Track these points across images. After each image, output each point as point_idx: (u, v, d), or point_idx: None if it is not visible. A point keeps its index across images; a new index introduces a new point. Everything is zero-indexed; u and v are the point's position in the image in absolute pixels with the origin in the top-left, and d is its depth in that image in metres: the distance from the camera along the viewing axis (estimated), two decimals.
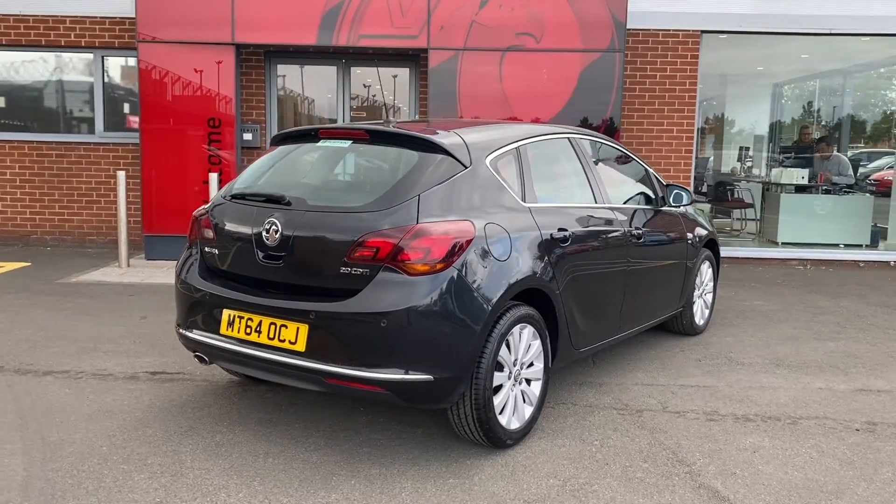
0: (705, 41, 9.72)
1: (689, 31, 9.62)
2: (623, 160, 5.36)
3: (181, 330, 4.12)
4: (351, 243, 3.47)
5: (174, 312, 6.54)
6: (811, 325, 6.67)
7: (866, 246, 10.54)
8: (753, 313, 7.07)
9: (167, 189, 9.08)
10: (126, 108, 10.18)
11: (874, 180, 13.26)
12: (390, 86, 10.22)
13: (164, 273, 8.40)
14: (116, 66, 10.21)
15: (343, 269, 3.49)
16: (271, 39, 9.01)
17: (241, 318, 3.75)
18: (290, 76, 10.16)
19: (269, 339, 3.64)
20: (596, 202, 4.68)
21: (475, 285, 3.51)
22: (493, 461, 3.69)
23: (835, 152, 11.39)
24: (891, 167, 12.03)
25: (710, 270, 6.31)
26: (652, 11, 9.41)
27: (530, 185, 4.13)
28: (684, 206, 5.63)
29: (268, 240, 3.68)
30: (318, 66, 10.03)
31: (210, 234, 4.02)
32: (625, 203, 5.07)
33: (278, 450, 3.78)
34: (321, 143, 4.07)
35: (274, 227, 3.66)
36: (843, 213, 10.66)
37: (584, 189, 4.67)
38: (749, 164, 14.43)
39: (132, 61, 9.96)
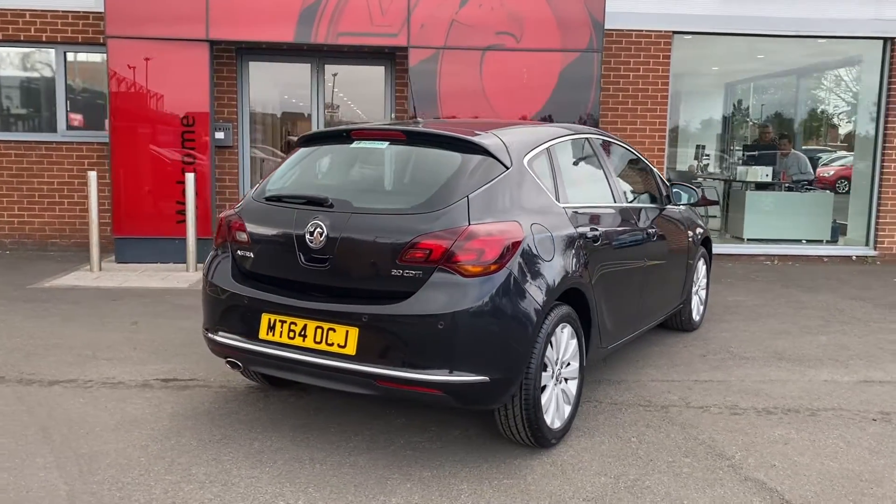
0: (675, 42, 9.98)
1: (661, 31, 9.86)
2: (632, 159, 5.48)
3: (211, 334, 4.04)
4: (403, 245, 3.47)
5: (164, 317, 6.47)
6: (797, 319, 6.93)
7: (827, 241, 10.99)
8: (739, 308, 7.30)
9: (139, 190, 8.82)
10: (91, 105, 9.86)
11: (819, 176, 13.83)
12: (365, 84, 10.17)
13: (139, 277, 8.18)
14: (81, 61, 9.87)
15: (394, 272, 3.48)
16: (247, 36, 8.85)
17: (282, 322, 3.70)
18: (263, 74, 9.99)
19: (316, 342, 3.60)
20: (615, 201, 4.78)
21: (527, 286, 3.54)
22: (541, 461, 3.74)
23: (793, 150, 11.82)
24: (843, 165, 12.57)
25: (705, 267, 6.50)
26: (625, 12, 9.60)
27: (562, 185, 4.19)
28: (690, 204, 5.78)
29: (311, 242, 3.64)
30: (291, 63, 9.90)
31: (243, 236, 3.95)
32: (636, 202, 5.18)
33: (322, 455, 3.74)
34: (356, 145, 4.04)
35: (319, 229, 3.62)
36: (805, 209, 11.09)
37: (605, 188, 4.76)
38: (706, 161, 14.84)
39: (97, 57, 9.67)
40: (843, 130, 12.39)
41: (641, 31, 9.82)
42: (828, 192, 11.77)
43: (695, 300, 6.30)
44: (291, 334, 3.67)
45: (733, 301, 7.61)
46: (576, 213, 4.15)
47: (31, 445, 3.79)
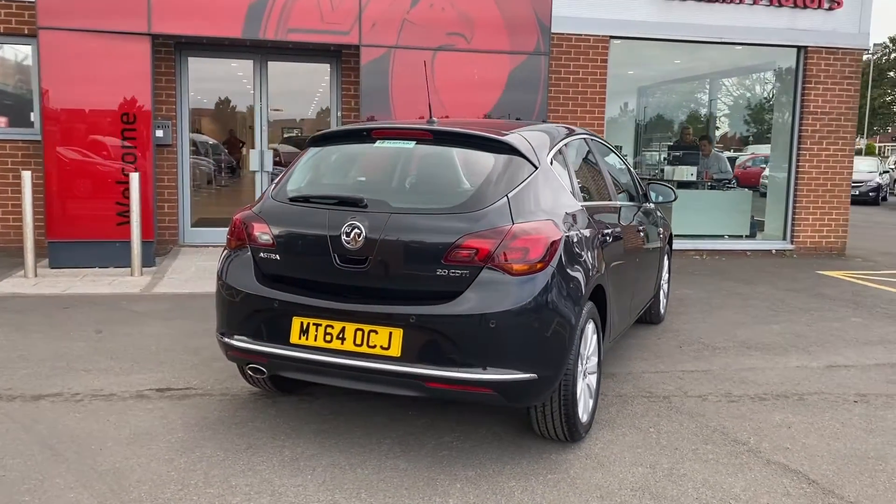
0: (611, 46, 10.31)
1: (599, 36, 10.15)
2: (616, 159, 5.63)
3: (227, 339, 3.87)
4: (448, 245, 3.44)
5: (127, 325, 6.13)
6: (746, 310, 7.31)
7: (746, 236, 11.63)
8: (690, 301, 7.63)
9: (75, 190, 8.32)
10: (14, 101, 9.21)
11: (735, 176, 14.61)
12: (310, 82, 9.97)
13: (83, 282, 7.71)
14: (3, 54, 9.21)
15: (439, 272, 3.45)
16: (192, 30, 8.50)
17: (317, 325, 3.60)
18: (203, 70, 9.62)
19: (356, 345, 3.52)
20: (611, 199, 4.90)
21: (568, 283, 3.60)
22: (575, 454, 3.80)
23: (714, 151, 12.44)
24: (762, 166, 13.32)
25: (668, 262, 6.76)
26: (566, 16, 9.83)
27: (575, 184, 4.27)
28: (666, 202, 5.99)
29: (348, 243, 3.55)
30: (233, 59, 9.59)
31: (267, 238, 3.80)
32: (624, 199, 5.33)
33: (359, 460, 3.67)
34: (380, 144, 3.97)
35: (356, 230, 3.54)
36: (727, 206, 11.69)
37: (604, 187, 4.88)
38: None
39: (22, 49, 9.04)
40: (759, 133, 13.11)
41: (581, 35, 10.09)
42: (747, 190, 12.43)
43: (660, 293, 6.54)
44: (328, 337, 3.58)
45: (681, 294, 7.94)
46: (591, 211, 4.24)
47: (43, 465, 3.53)
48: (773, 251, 11.15)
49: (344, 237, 3.57)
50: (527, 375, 3.41)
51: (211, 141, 10.25)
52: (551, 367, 3.50)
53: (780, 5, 10.52)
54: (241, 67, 9.57)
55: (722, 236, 11.45)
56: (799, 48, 10.85)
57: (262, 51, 9.41)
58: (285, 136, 10.46)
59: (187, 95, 9.42)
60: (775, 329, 6.55)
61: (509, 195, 3.60)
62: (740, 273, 9.50)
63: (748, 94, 13.29)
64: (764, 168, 13.96)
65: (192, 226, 9.67)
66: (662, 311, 6.65)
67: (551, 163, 4.02)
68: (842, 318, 7.01)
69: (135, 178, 7.98)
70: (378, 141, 3.98)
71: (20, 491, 3.28)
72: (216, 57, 9.51)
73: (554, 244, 3.55)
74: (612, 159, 5.51)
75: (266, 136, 9.64)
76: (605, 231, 4.32)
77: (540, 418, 3.77)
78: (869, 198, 24.43)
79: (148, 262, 8.37)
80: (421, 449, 3.81)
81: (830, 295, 8.18)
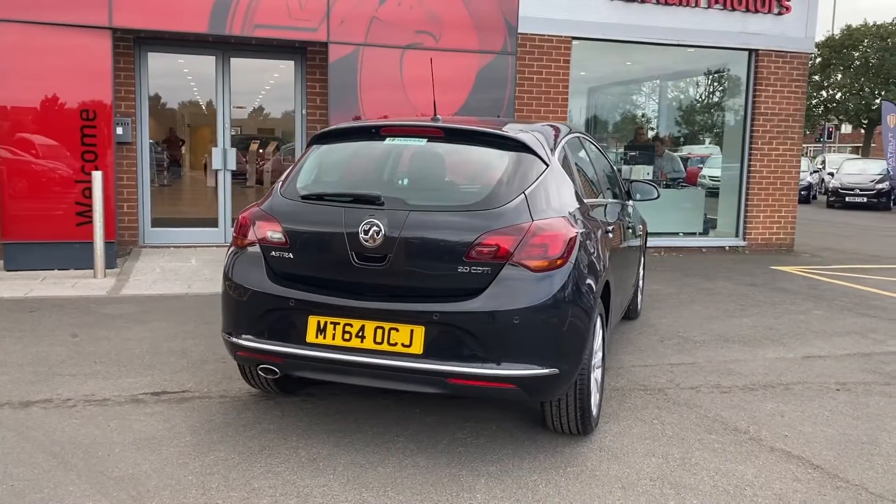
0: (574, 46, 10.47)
1: (561, 36, 10.30)
2: (602, 157, 5.73)
3: (236, 339, 3.80)
4: (469, 243, 3.46)
5: (103, 328, 5.95)
6: (714, 304, 7.54)
7: (699, 234, 11.97)
8: (659, 296, 7.82)
9: (32, 189, 8.00)
10: None
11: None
12: (273, 79, 9.82)
13: (45, 285, 7.44)
14: None
15: (460, 269, 3.47)
16: (155, 24, 8.28)
17: (335, 323, 3.57)
18: (163, 65, 9.37)
19: (377, 343, 3.51)
20: (604, 197, 4.99)
21: (585, 279, 3.65)
22: (588, 447, 3.86)
23: (667, 151, 12.75)
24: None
25: (643, 258, 6.91)
26: (530, 17, 9.93)
27: (578, 182, 4.33)
28: (649, 199, 6.12)
29: (367, 242, 3.53)
30: (194, 55, 9.37)
31: (278, 237, 3.74)
32: (614, 197, 5.44)
33: (378, 458, 3.65)
34: (389, 142, 3.96)
35: (375, 228, 3.52)
36: (681, 204, 12.00)
37: (597, 184, 4.97)
38: None
39: None
40: (709, 134, 13.49)
41: (544, 35, 10.21)
42: (699, 188, 12.78)
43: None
44: (347, 336, 3.55)
45: (650, 290, 8.13)
46: (594, 208, 4.32)
47: (52, 473, 3.40)
48: (727, 248, 11.51)
49: (362, 235, 3.54)
50: (549, 370, 3.46)
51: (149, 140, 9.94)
52: (571, 362, 3.56)
53: (733, 9, 10.86)
54: (204, 63, 9.35)
55: (677, 233, 11.75)
56: (750, 51, 11.22)
57: (225, 46, 9.23)
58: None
59: (147, 92, 9.16)
60: (747, 322, 6.78)
61: (526, 192, 3.64)
62: (699, 269, 9.78)
63: (696, 95, 13.63)
64: (701, 168, 14.37)
65: (152, 226, 9.41)
66: (639, 306, 6.80)
67: (558, 159, 4.08)
68: (805, 312, 7.29)
69: (98, 176, 7.72)
70: (388, 138, 3.97)
71: (35, 500, 3.15)
72: (177, 52, 9.28)
73: (572, 240, 3.60)
74: (601, 157, 5.61)
75: (229, 133, 9.46)
76: (607, 228, 4.41)
77: (555, 413, 3.82)
78: (801, 196, 25.40)
79: (110, 263, 8.12)
80: (436, 446, 3.82)
81: (789, 289, 8.50)
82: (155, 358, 5.18)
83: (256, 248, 3.83)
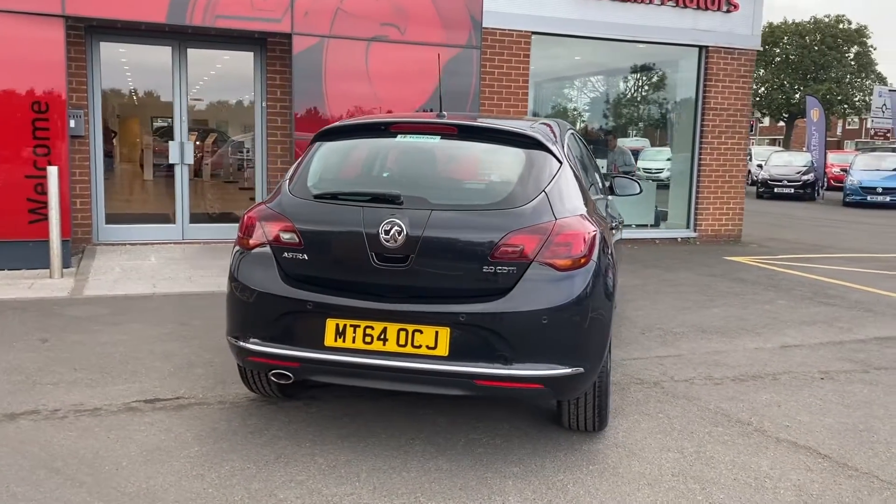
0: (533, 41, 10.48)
1: (522, 31, 10.30)
2: (589, 152, 5.74)
3: (245, 343, 3.63)
4: (495, 242, 3.39)
5: (73, 332, 5.66)
6: (683, 295, 7.68)
7: (651, 225, 12.19)
8: (626, 288, 7.90)
9: None
10: None
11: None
12: (232, 70, 9.51)
13: None
14: None
15: (485, 269, 3.40)
16: (112, 13, 7.89)
17: (355, 326, 3.46)
18: (116, 56, 8.95)
19: (400, 346, 3.41)
20: (595, 193, 4.99)
21: (605, 276, 3.64)
22: (604, 444, 3.86)
23: (618, 145, 12.93)
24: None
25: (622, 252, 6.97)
26: (491, 11, 9.88)
27: (582, 178, 4.31)
28: (632, 195, 6.16)
29: (388, 242, 3.42)
30: (149, 45, 8.97)
31: (291, 237, 3.59)
32: (602, 192, 5.45)
33: (399, 463, 3.56)
34: (402, 139, 3.85)
35: (396, 228, 3.42)
36: (633, 197, 12.16)
37: (594, 179, 4.96)
38: None
39: None
40: (661, 128, 13.74)
41: (505, 30, 10.18)
42: (651, 182, 13.01)
43: None
44: (368, 339, 3.44)
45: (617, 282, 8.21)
46: (598, 204, 4.31)
47: (60, 491, 3.19)
48: (679, 239, 11.76)
49: (383, 235, 3.43)
50: (575, 369, 3.42)
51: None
52: (595, 360, 3.54)
53: (685, 6, 11.07)
54: (159, 54, 8.97)
55: (630, 225, 11.92)
56: (700, 48, 11.46)
57: (181, 37, 8.88)
58: (156, 126, 9.75)
59: (100, 83, 8.74)
60: (718, 313, 6.92)
61: (546, 190, 3.59)
62: (657, 260, 9.96)
63: (646, 90, 13.86)
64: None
65: (106, 223, 9.00)
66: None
67: (566, 157, 4.04)
68: (770, 301, 7.49)
69: (53, 172, 7.33)
70: (400, 136, 3.85)
71: None
72: (131, 42, 8.87)
73: (592, 239, 3.57)
74: (588, 153, 5.61)
75: (186, 126, 9.12)
76: (611, 225, 4.41)
77: (572, 410, 3.80)
78: None
79: (65, 262, 7.72)
80: (454, 447, 3.75)
81: (748, 279, 8.73)
82: (138, 363, 4.94)
83: (267, 249, 3.67)
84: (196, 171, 10.44)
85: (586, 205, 3.90)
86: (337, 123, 4.07)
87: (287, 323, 3.56)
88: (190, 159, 9.16)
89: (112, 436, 3.77)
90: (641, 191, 6.08)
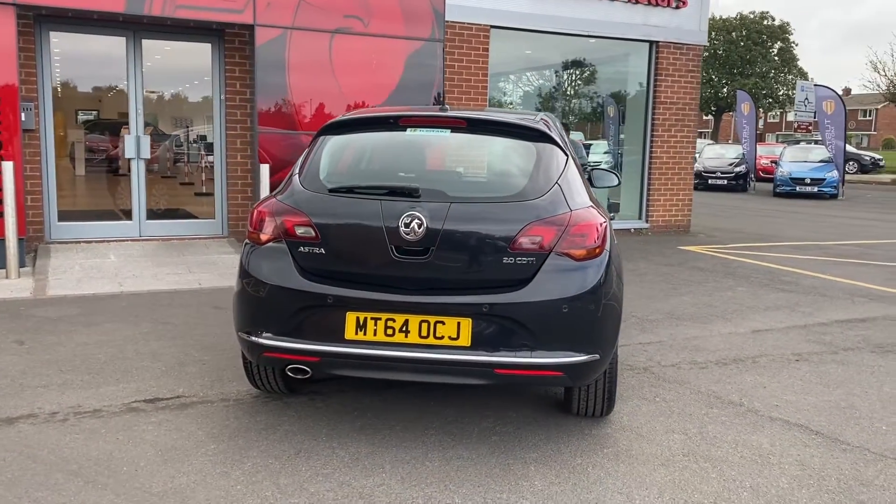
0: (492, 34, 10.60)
1: (481, 25, 10.41)
2: (574, 143, 5.87)
3: (258, 339, 3.62)
4: (514, 233, 3.48)
5: (48, 333, 5.55)
6: (647, 284, 7.94)
7: None
8: None
9: None
10: None
11: None
12: (188, 63, 9.30)
13: None
14: None
15: (505, 260, 3.49)
16: (68, 2, 7.62)
17: (376, 319, 3.50)
18: (67, 46, 8.64)
19: (422, 337, 3.47)
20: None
21: (617, 265, 3.77)
22: (612, 428, 4.00)
23: (571, 137, 13.18)
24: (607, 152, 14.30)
25: None
26: (453, 5, 9.95)
27: (580, 170, 4.44)
28: (609, 187, 6.33)
29: (408, 235, 3.47)
30: (102, 35, 8.70)
31: (308, 232, 3.60)
32: None
33: (420, 454, 3.62)
34: (412, 133, 3.89)
35: (417, 220, 3.47)
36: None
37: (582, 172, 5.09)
38: None
39: None
40: (600, 121, 14.04)
41: (464, 23, 10.27)
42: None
43: None
44: (390, 331, 3.48)
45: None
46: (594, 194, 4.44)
47: (84, 494, 3.14)
48: (632, 230, 12.10)
49: (403, 228, 3.48)
50: (591, 356, 3.54)
51: None
52: (609, 346, 3.67)
53: (636, 2, 11.37)
54: (112, 44, 8.71)
55: None
56: (651, 43, 11.79)
57: (136, 27, 8.63)
58: (82, 118, 9.43)
59: (50, 74, 8.43)
60: (686, 301, 7.19)
61: (559, 182, 3.70)
62: None
63: (596, 85, 14.15)
64: None
65: (59, 220, 8.70)
66: None
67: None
68: (731, 289, 7.82)
69: (8, 168, 7.06)
70: (410, 129, 3.90)
71: None
72: (83, 32, 8.57)
73: (604, 229, 3.70)
74: (575, 144, 5.75)
75: (142, 119, 8.88)
76: (610, 216, 4.54)
77: (583, 396, 3.92)
78: None
79: (21, 262, 7.45)
80: (469, 437, 3.83)
81: (705, 268, 9.07)
82: (125, 363, 4.84)
83: (281, 244, 3.66)
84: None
85: (590, 196, 4.03)
86: (343, 117, 4.08)
87: (305, 317, 3.57)
88: (146, 153, 8.93)
89: (121, 437, 3.71)
90: (620, 182, 6.26)
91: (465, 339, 3.45)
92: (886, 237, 12.87)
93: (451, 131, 3.90)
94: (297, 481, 3.30)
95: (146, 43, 8.82)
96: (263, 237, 3.72)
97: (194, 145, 10.00)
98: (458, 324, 3.46)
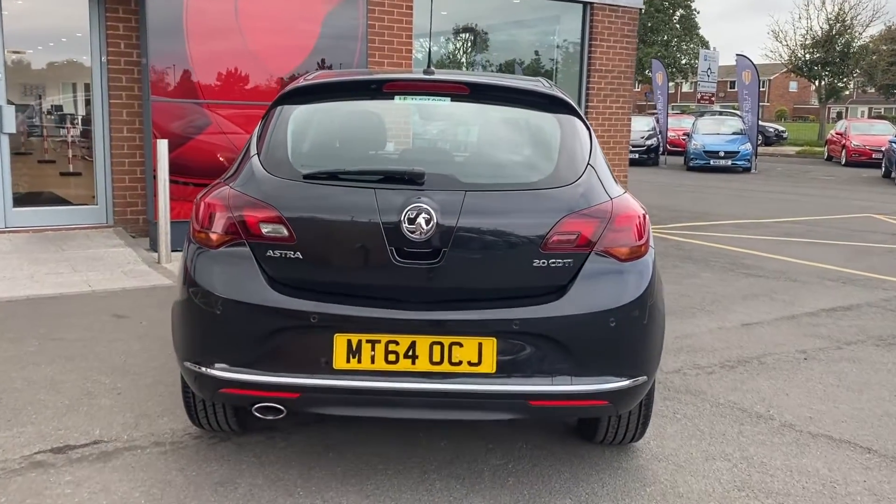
0: None
1: None
2: None
3: (218, 372, 2.93)
4: (548, 229, 2.93)
5: None
6: None
7: None
8: None
9: None
10: None
11: None
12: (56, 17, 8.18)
13: None
14: None
15: (536, 262, 2.93)
16: None
17: (373, 342, 2.87)
18: None
19: (434, 364, 2.88)
20: None
21: (658, 268, 3.29)
22: (644, 458, 3.55)
23: None
24: None
25: None
26: None
27: None
28: None
29: (413, 233, 2.85)
30: None
31: (277, 230, 2.91)
32: None
33: (441, 486, 3.04)
34: (400, 101, 3.24)
35: (424, 215, 2.85)
36: None
37: None
38: None
39: None
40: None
41: None
42: None
43: None
44: (392, 357, 2.87)
45: None
46: None
47: None
48: None
49: (406, 225, 2.85)
50: (640, 378, 3.06)
51: None
52: (656, 364, 3.19)
53: None
54: None
55: None
56: (585, 4, 11.44)
57: None
58: None
59: None
60: None
61: (591, 164, 3.17)
62: None
63: (528, 49, 13.71)
64: None
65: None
66: None
67: None
68: (696, 275, 7.59)
69: None
70: (397, 97, 3.25)
71: None
72: None
73: (646, 222, 3.21)
74: None
75: (3, 86, 7.73)
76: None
77: (613, 422, 3.43)
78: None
79: None
80: (481, 480, 3.28)
81: (661, 251, 8.73)
82: (14, 397, 4.00)
83: (242, 247, 2.96)
84: None
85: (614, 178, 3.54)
86: (309, 81, 3.38)
87: (278, 342, 2.91)
88: (11, 128, 7.78)
89: (139, 476, 3.01)
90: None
91: (489, 365, 2.88)
92: (818, 213, 13.18)
93: (452, 100, 3.28)
94: None
95: None
96: (215, 237, 3.00)
97: (49, 117, 8.83)
98: (480, 345, 2.88)
